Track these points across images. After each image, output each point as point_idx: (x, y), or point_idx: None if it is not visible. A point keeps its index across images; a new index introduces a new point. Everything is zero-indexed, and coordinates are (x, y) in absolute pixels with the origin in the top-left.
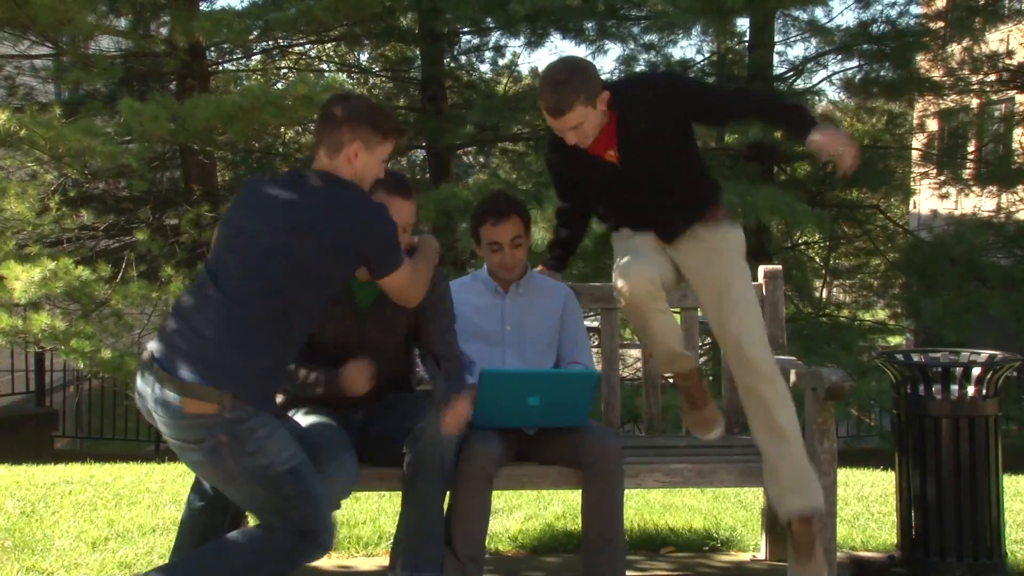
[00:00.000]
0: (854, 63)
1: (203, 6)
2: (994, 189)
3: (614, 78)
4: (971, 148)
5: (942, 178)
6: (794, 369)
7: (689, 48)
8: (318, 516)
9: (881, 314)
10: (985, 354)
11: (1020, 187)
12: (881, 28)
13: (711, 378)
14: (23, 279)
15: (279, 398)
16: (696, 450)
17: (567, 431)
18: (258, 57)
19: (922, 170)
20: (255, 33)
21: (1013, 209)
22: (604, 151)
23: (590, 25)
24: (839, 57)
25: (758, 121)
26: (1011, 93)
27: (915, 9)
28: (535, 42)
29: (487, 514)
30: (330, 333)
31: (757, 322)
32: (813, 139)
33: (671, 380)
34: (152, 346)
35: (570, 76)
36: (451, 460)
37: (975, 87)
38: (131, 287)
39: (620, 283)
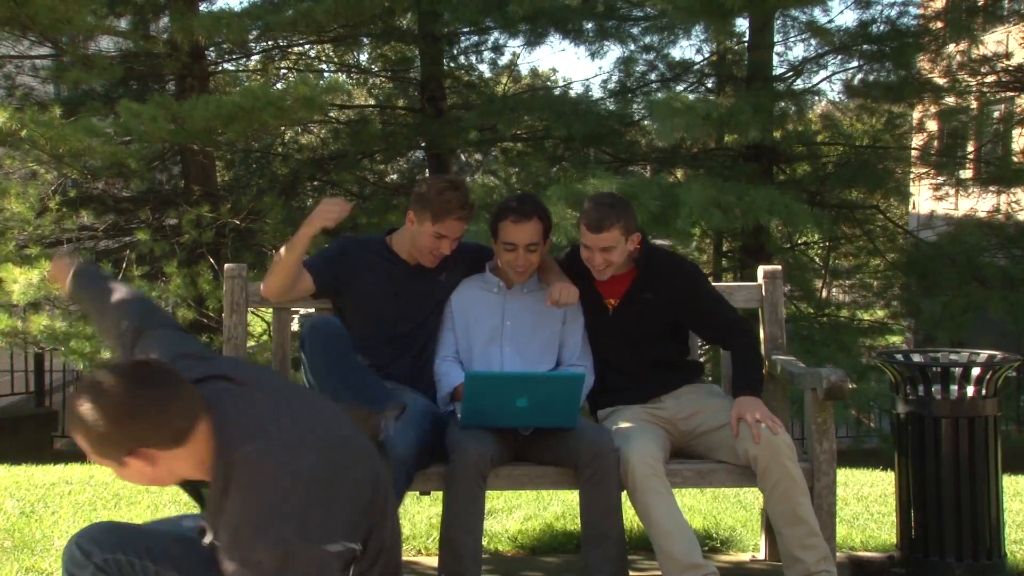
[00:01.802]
0: (854, 64)
1: (203, 7)
2: (994, 190)
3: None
4: (970, 149)
5: (941, 179)
6: (794, 369)
7: (689, 48)
8: None
9: (881, 314)
10: (985, 354)
11: (1019, 188)
12: (881, 28)
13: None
14: (21, 281)
15: None
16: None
17: (560, 432)
18: (257, 57)
19: (922, 170)
20: (254, 33)
21: (1013, 209)
22: (607, 294)
23: (589, 26)
24: (839, 57)
25: (730, 350)
26: (1010, 94)
27: (915, 10)
28: (534, 42)
29: (482, 513)
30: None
31: (789, 441)
32: (735, 411)
33: None
34: None
35: (615, 203)
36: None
37: (974, 88)
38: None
39: (621, 455)
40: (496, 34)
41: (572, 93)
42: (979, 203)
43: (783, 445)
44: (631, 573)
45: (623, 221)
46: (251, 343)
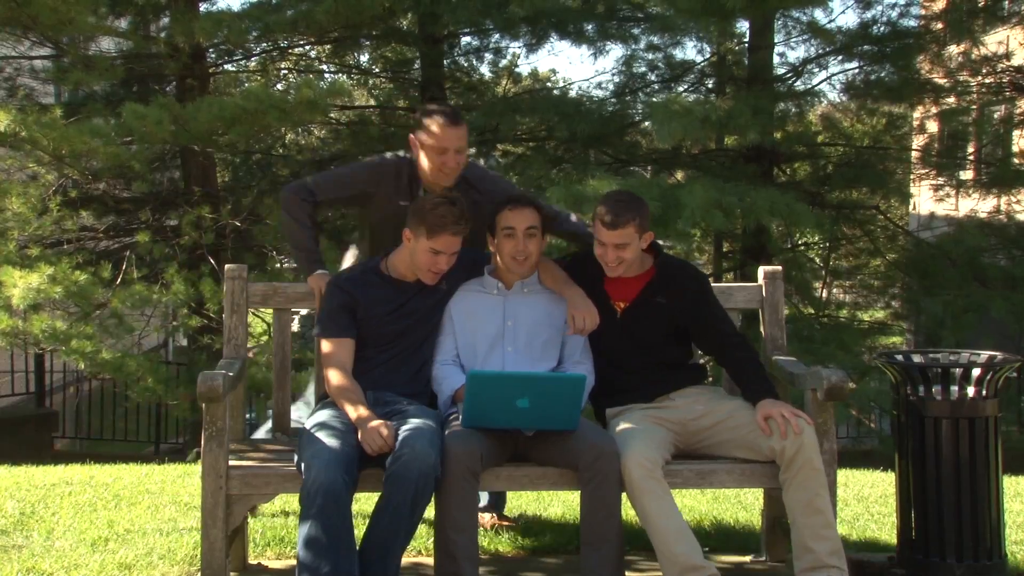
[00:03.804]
0: (854, 64)
1: (203, 7)
2: (995, 191)
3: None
4: (971, 150)
5: (941, 180)
6: (794, 370)
7: (690, 49)
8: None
9: (881, 314)
10: (985, 355)
11: (1019, 189)
12: (881, 29)
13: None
14: (21, 285)
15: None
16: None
17: (562, 434)
18: (257, 58)
19: (923, 171)
20: (255, 34)
21: (1013, 211)
22: (616, 297)
23: (590, 27)
24: (839, 58)
25: (728, 364)
26: (1010, 94)
27: (916, 11)
28: (535, 44)
29: (475, 511)
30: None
31: (813, 429)
32: (761, 412)
33: None
34: None
35: (631, 200)
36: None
37: (974, 89)
38: (132, 289)
39: (620, 457)
40: (496, 36)
41: (572, 94)
42: (980, 204)
43: (811, 436)
44: (630, 574)
45: (638, 219)
46: (252, 343)
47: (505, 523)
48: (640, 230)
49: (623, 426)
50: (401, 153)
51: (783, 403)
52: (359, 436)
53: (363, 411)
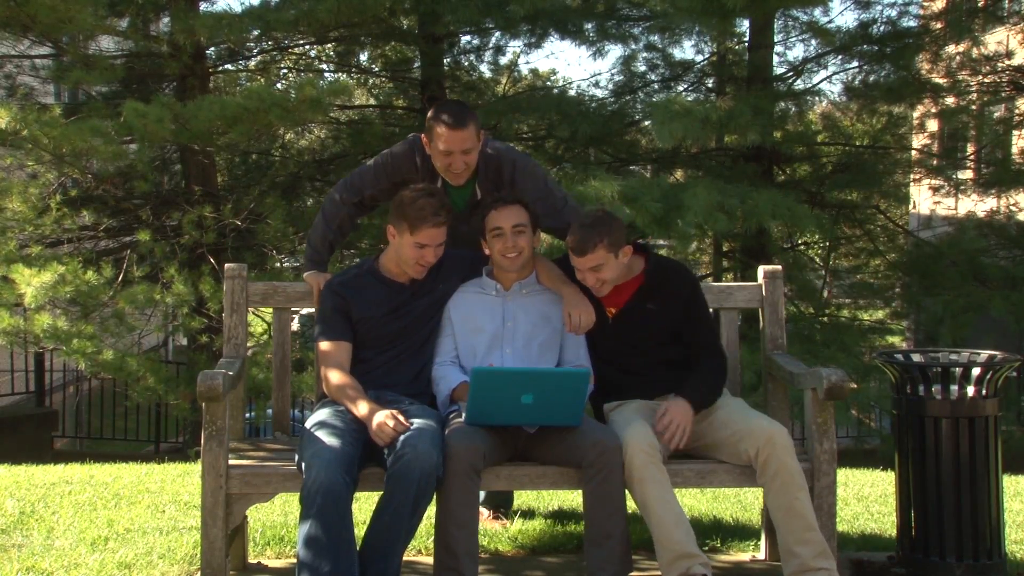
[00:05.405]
0: (854, 64)
1: (203, 6)
2: (994, 191)
3: (654, 249)
4: (970, 150)
5: (940, 180)
6: (794, 369)
7: (690, 49)
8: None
9: (881, 314)
10: (985, 354)
11: (1019, 189)
12: (881, 29)
13: None
14: (34, 284)
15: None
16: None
17: (565, 430)
18: (258, 58)
19: (922, 171)
20: (255, 33)
21: (1014, 210)
22: (608, 303)
23: (590, 26)
24: (839, 58)
25: (694, 365)
26: (1010, 93)
27: (915, 11)
28: (535, 43)
29: (476, 507)
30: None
31: (785, 431)
32: (671, 401)
33: None
34: None
35: (596, 222)
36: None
37: (974, 89)
38: (136, 289)
39: (622, 443)
40: (496, 35)
41: (571, 93)
42: (979, 205)
43: (782, 439)
44: (633, 573)
45: (606, 239)
46: (251, 343)
47: (499, 521)
48: (612, 248)
49: (622, 415)
50: None
51: (688, 414)
52: (370, 432)
53: (366, 406)
